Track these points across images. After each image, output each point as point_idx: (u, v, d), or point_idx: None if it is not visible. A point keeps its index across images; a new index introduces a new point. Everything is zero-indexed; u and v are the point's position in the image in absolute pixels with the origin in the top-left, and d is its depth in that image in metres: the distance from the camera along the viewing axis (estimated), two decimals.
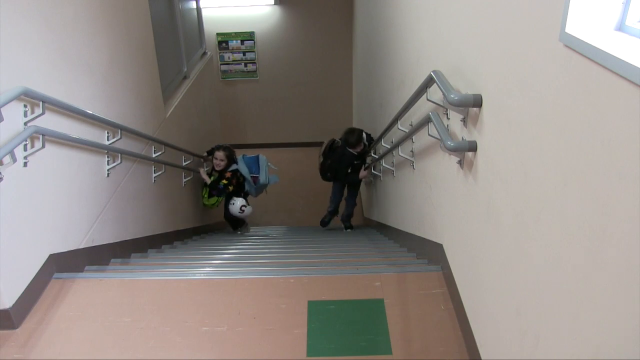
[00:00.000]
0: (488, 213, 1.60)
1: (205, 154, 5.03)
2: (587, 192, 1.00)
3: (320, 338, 1.98)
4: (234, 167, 4.77)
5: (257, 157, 5.03)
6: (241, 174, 4.86)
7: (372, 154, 4.61)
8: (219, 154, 4.70)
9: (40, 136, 2.17)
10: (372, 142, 4.66)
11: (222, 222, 5.49)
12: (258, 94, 8.13)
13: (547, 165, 1.18)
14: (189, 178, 4.69)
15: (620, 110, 0.88)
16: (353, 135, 4.54)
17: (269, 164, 5.05)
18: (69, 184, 2.50)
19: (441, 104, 2.09)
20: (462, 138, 1.88)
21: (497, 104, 1.53)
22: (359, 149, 4.59)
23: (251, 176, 4.92)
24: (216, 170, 4.79)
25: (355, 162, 4.73)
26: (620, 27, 0.99)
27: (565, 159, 1.09)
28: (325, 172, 4.98)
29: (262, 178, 4.96)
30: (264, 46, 7.80)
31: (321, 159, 5.01)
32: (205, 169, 4.98)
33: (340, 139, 4.74)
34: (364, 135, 4.61)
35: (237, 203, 4.82)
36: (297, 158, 7.66)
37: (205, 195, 4.97)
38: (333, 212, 5.31)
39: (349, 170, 4.81)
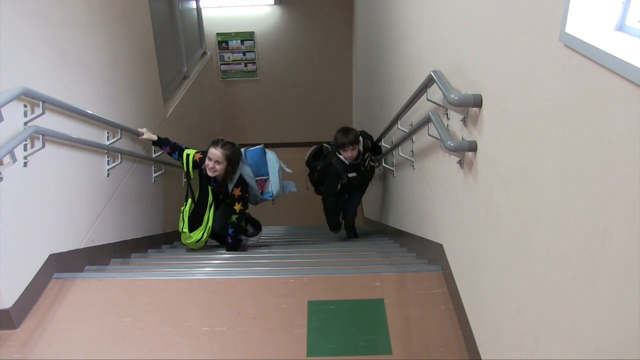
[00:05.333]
0: (488, 213, 1.60)
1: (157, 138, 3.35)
2: (587, 192, 1.00)
3: (320, 338, 1.98)
4: (238, 174, 3.21)
5: (264, 152, 3.48)
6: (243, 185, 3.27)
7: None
8: (216, 153, 3.05)
9: (40, 136, 2.17)
10: (377, 150, 3.80)
11: None
12: (258, 94, 8.13)
13: (547, 165, 1.18)
14: None
15: (620, 110, 0.88)
16: (348, 134, 3.38)
17: (281, 164, 3.55)
18: (69, 184, 2.50)
19: (441, 104, 2.09)
20: (462, 138, 1.88)
21: (497, 104, 1.53)
22: (351, 154, 3.40)
23: (257, 180, 3.41)
24: (208, 181, 3.27)
25: (349, 175, 3.54)
26: (620, 27, 0.99)
27: (565, 159, 1.09)
28: (317, 185, 3.90)
29: (275, 187, 3.45)
30: (264, 46, 7.80)
31: (308, 171, 3.94)
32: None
33: (330, 143, 3.62)
34: (362, 139, 3.51)
35: (254, 239, 3.64)
36: (297, 158, 7.63)
37: (185, 229, 3.37)
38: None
39: (346, 181, 3.58)
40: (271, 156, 3.51)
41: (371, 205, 5.33)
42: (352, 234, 4.28)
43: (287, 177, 3.68)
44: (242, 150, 3.34)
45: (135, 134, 3.28)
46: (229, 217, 3.31)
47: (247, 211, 3.34)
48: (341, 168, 3.52)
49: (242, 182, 3.23)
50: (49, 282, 2.28)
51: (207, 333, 2.04)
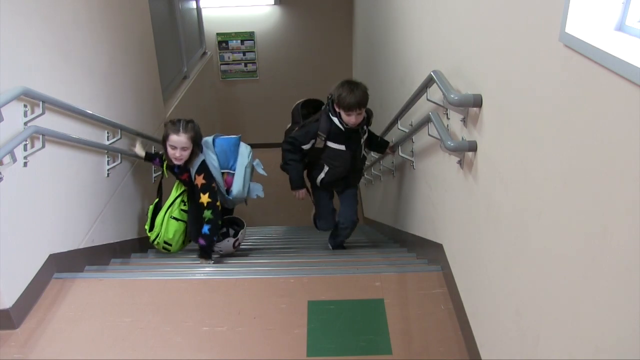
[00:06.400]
0: (488, 213, 1.60)
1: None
2: (587, 192, 1.00)
3: (320, 338, 1.98)
4: (200, 158, 2.78)
5: (238, 143, 3.01)
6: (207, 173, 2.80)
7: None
8: (181, 140, 2.65)
9: (40, 136, 2.17)
10: (380, 142, 3.20)
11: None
12: (258, 94, 8.14)
13: (547, 165, 1.18)
14: None
15: (620, 110, 0.88)
16: (355, 91, 2.51)
17: (254, 163, 3.10)
18: (69, 184, 2.50)
19: (441, 104, 2.09)
20: (462, 138, 1.88)
21: (497, 104, 1.53)
22: (356, 120, 2.58)
23: (224, 173, 2.95)
24: (171, 167, 2.84)
25: (334, 146, 2.74)
26: (620, 27, 0.99)
27: (565, 159, 1.09)
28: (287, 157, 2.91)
29: (236, 185, 2.94)
30: (264, 46, 7.80)
31: (289, 124, 3.07)
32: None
33: (328, 98, 2.72)
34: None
35: (223, 246, 3.01)
36: None
37: (146, 226, 3.12)
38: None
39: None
40: (244, 149, 3.01)
41: (371, 205, 5.33)
42: (338, 244, 3.44)
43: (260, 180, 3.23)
44: (211, 137, 2.94)
45: (134, 134, 3.28)
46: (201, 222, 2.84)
47: (218, 204, 2.80)
48: (325, 129, 2.67)
49: (205, 169, 2.78)
50: (49, 282, 2.28)
51: (207, 333, 2.04)
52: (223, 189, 2.94)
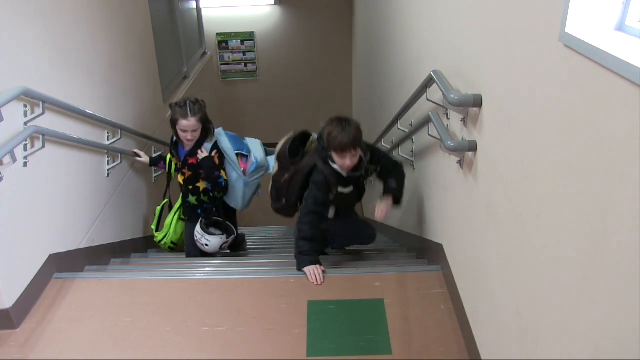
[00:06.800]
0: (488, 213, 1.60)
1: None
2: (587, 192, 1.00)
3: (320, 338, 1.98)
4: (213, 140, 2.87)
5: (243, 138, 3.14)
6: (220, 154, 2.87)
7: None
8: (189, 123, 2.69)
9: (40, 136, 2.18)
10: (378, 156, 2.53)
11: None
12: (258, 94, 8.14)
13: (547, 165, 1.18)
14: None
15: (620, 110, 0.88)
16: (347, 129, 2.18)
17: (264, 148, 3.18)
18: (69, 184, 2.50)
19: (441, 104, 2.09)
20: (462, 138, 1.88)
21: (497, 104, 1.53)
22: (351, 162, 2.22)
23: (237, 154, 2.94)
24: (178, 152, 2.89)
25: (342, 191, 2.40)
26: (620, 27, 0.99)
27: (565, 159, 1.09)
28: (279, 197, 2.66)
29: (259, 155, 3.02)
30: (264, 46, 7.81)
31: (275, 168, 2.67)
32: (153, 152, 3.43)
33: (319, 135, 2.34)
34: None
35: (213, 241, 2.93)
36: None
37: (153, 226, 3.27)
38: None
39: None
40: (250, 138, 3.16)
41: (371, 205, 5.33)
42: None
43: None
44: (220, 128, 3.03)
45: (134, 133, 3.28)
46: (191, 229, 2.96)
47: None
48: (332, 178, 2.32)
49: (219, 150, 2.87)
50: (49, 282, 2.28)
51: (207, 333, 2.04)
52: (239, 170, 2.95)
